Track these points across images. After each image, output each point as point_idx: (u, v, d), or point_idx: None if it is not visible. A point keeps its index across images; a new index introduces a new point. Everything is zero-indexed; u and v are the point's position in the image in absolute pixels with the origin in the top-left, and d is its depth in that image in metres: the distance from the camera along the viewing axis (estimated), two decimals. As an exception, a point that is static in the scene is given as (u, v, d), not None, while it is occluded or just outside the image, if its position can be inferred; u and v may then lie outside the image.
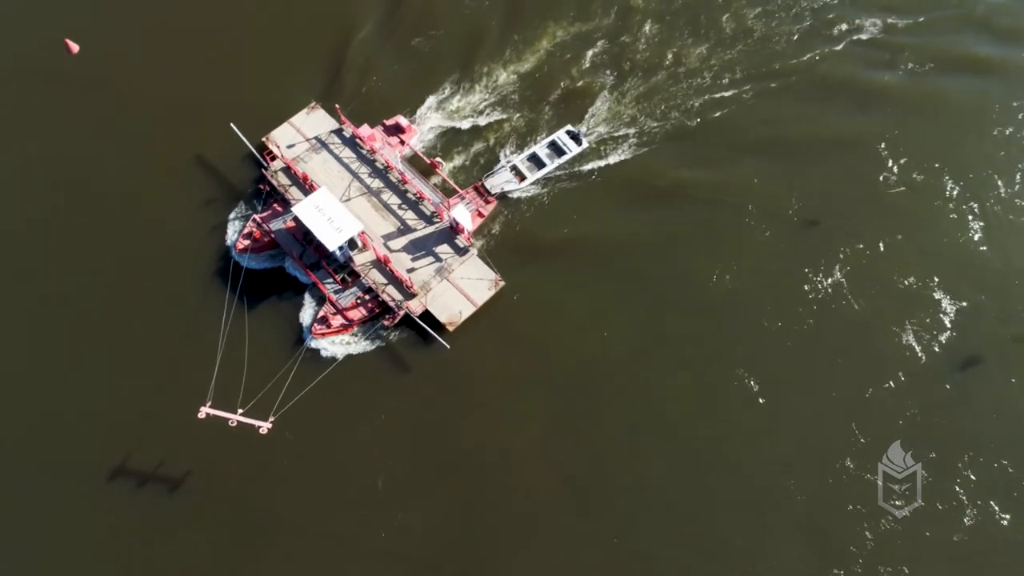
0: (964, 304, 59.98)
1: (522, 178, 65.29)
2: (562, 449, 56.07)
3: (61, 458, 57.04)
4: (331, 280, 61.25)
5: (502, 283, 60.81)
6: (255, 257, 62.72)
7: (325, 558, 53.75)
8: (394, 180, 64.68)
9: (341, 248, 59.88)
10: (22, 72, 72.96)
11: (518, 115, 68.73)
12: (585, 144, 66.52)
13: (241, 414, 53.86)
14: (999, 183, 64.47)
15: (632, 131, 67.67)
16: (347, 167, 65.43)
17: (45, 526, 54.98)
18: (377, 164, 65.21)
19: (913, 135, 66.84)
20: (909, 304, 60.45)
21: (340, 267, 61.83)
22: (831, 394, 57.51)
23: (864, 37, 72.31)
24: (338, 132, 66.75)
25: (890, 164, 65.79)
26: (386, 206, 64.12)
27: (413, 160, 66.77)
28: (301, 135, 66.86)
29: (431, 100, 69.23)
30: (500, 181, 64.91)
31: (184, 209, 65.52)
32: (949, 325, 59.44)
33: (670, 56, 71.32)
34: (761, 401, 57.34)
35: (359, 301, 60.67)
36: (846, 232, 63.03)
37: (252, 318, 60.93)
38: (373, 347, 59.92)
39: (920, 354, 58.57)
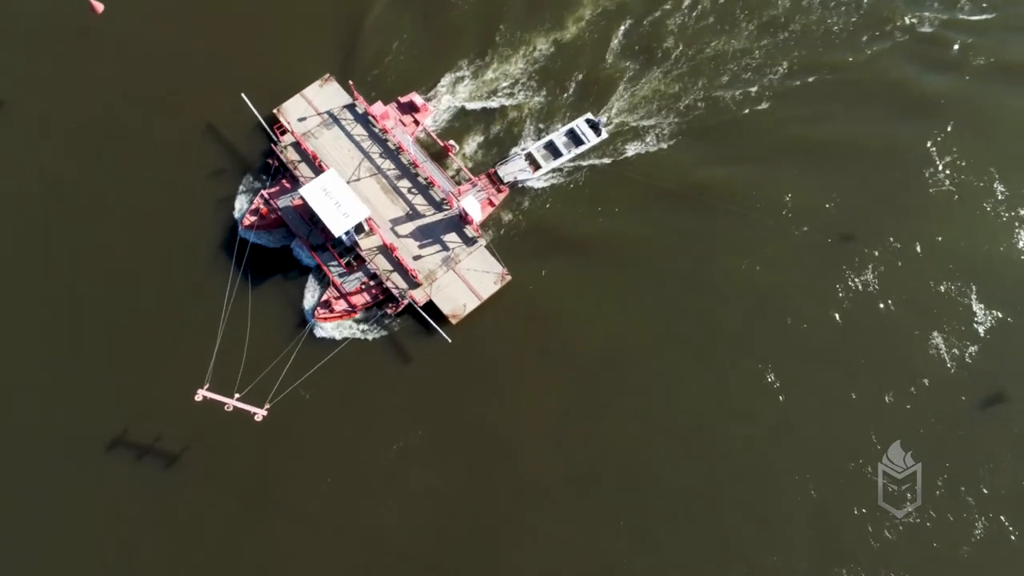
0: (1000, 315, 58.23)
1: (536, 167, 63.41)
2: (575, 436, 56.20)
3: (60, 427, 57.49)
4: (336, 263, 60.43)
5: (508, 277, 59.71)
6: (261, 234, 61.88)
7: (319, 539, 54.47)
8: (405, 162, 63.09)
9: (347, 233, 58.84)
10: (46, 31, 70.73)
11: (537, 99, 66.41)
12: (605, 134, 64.28)
13: (238, 398, 53.95)
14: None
15: (655, 123, 65.25)
16: (358, 145, 63.83)
17: (44, 494, 55.82)
18: (389, 144, 63.54)
19: (964, 138, 63.99)
20: (942, 311, 58.99)
21: (346, 250, 60.91)
22: (850, 395, 56.79)
23: (923, 31, 68.33)
24: (351, 107, 64.93)
25: (937, 164, 63.30)
26: (396, 189, 62.72)
27: (426, 143, 64.92)
28: (313, 108, 65.13)
29: (448, 78, 66.95)
30: (513, 169, 63.08)
31: (192, 179, 64.50)
32: (982, 335, 58.00)
33: (702, 45, 68.25)
34: (780, 399, 56.78)
35: (363, 287, 59.94)
36: (882, 230, 61.20)
37: (255, 296, 60.50)
38: (375, 335, 59.44)
39: (948, 364, 57.41)
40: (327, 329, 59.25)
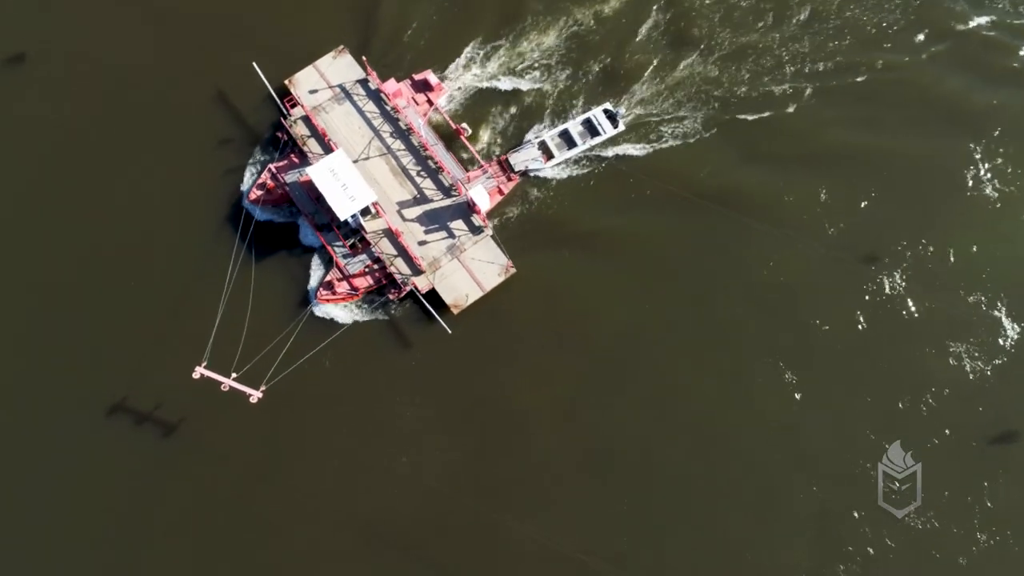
0: (1028, 330, 57.61)
1: (549, 157, 61.96)
2: (586, 419, 57.03)
3: (60, 390, 58.14)
4: (340, 244, 59.93)
5: (513, 270, 59.10)
6: (267, 209, 61.31)
7: (317, 509, 55.63)
8: (416, 144, 61.82)
9: (353, 216, 58.16)
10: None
11: (555, 84, 64.43)
12: (622, 126, 62.52)
13: (235, 378, 54.26)
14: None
15: (679, 116, 63.29)
16: (369, 123, 62.52)
17: (41, 457, 56.86)
18: (400, 124, 62.18)
19: (1011, 146, 62.09)
20: (970, 321, 58.34)
21: (351, 232, 60.31)
22: (866, 399, 56.89)
23: (984, 35, 65.07)
24: (363, 83, 63.35)
25: (981, 171, 61.56)
26: (405, 171, 61.65)
27: (438, 124, 63.43)
28: (325, 81, 63.61)
29: (465, 57, 64.96)
30: (525, 158, 61.70)
31: (200, 146, 63.56)
32: (1009, 349, 57.32)
33: (732, 38, 65.56)
34: (797, 396, 56.94)
35: (367, 270, 59.58)
36: (915, 234, 60.08)
37: (259, 271, 60.30)
38: (377, 319, 59.36)
39: (969, 375, 57.08)
40: (328, 310, 59.14)
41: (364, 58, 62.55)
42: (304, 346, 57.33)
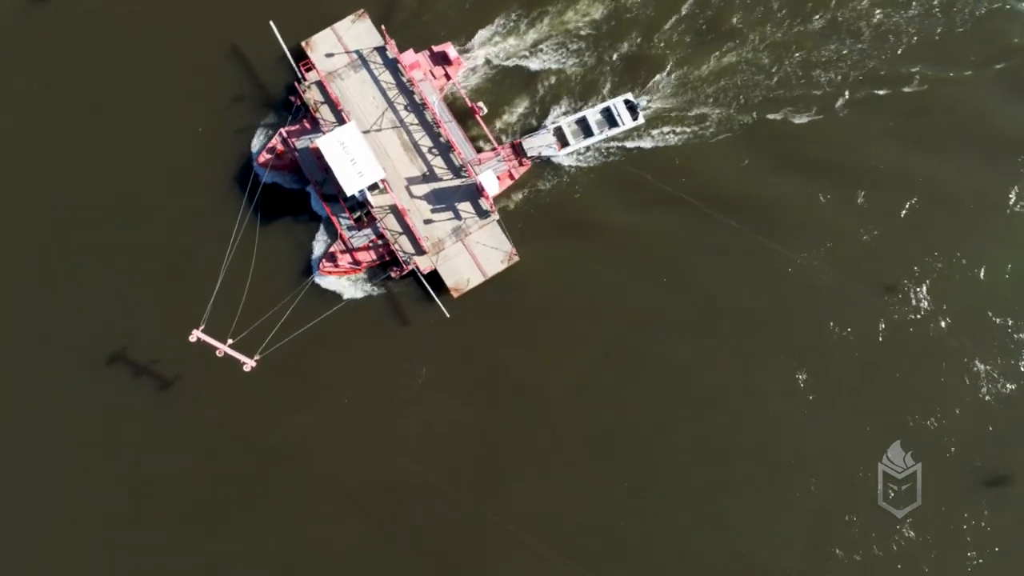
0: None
1: (563, 144, 60.78)
2: (588, 406, 58.14)
3: (59, 337, 59.02)
4: (346, 216, 59.54)
5: (516, 258, 58.78)
6: (275, 174, 60.78)
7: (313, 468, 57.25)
8: (429, 119, 60.71)
9: (360, 191, 57.61)
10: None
11: (577, 68, 62.69)
12: (641, 119, 61.06)
13: (230, 344, 54.68)
14: None
15: (700, 115, 61.56)
16: (384, 94, 61.32)
17: (38, 402, 58.10)
18: (415, 98, 60.94)
19: None
20: (993, 342, 58.02)
21: (358, 205, 59.84)
22: (875, 408, 57.11)
23: None
24: (381, 51, 61.86)
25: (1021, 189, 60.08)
26: (416, 147, 60.74)
27: (454, 101, 62.10)
28: (342, 45, 62.15)
29: (487, 32, 63.15)
30: (539, 143, 60.58)
31: (211, 103, 62.69)
32: None
33: (767, 36, 62.88)
34: (810, 398, 57.43)
35: (371, 245, 59.34)
36: (949, 248, 59.21)
37: (263, 235, 60.17)
38: (377, 294, 59.48)
39: (985, 396, 57.11)
40: (330, 282, 59.17)
41: (383, 26, 60.94)
42: (302, 316, 57.58)
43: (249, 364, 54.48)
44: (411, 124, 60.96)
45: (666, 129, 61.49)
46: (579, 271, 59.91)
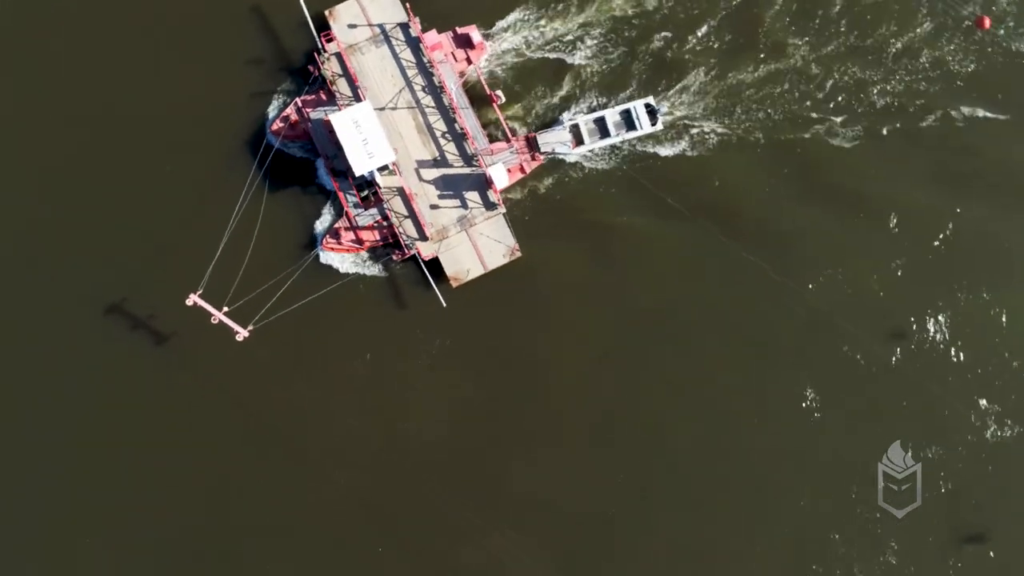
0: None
1: (579, 142, 59.96)
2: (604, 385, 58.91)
3: (59, 285, 59.58)
4: (353, 194, 59.31)
5: (518, 254, 58.65)
6: (287, 143, 60.40)
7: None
8: (446, 104, 59.91)
9: (369, 172, 57.26)
10: None
11: (602, 65, 61.55)
12: (660, 125, 60.06)
13: (225, 312, 55.10)
14: None
15: (723, 127, 60.52)
16: (403, 72, 60.44)
17: (33, 349, 59.03)
18: (434, 80, 60.03)
19: None
20: (1004, 383, 58.15)
21: (366, 183, 59.52)
22: (878, 434, 57.63)
23: None
24: (404, 28, 60.74)
25: None
26: (430, 130, 60.11)
27: (472, 87, 61.11)
28: (365, 18, 61.03)
29: (513, 17, 61.89)
30: (553, 140, 59.81)
31: (229, 62, 61.84)
32: None
33: (801, 52, 61.47)
34: (816, 415, 58.03)
35: (376, 225, 59.23)
36: (974, 284, 59.16)
37: (269, 203, 60.08)
38: (377, 275, 59.60)
39: (988, 436, 57.56)
40: (330, 258, 59.27)
41: (407, 5, 59.74)
42: (300, 290, 57.79)
43: (242, 334, 54.98)
44: (427, 106, 60.22)
45: (685, 138, 60.54)
46: (581, 272, 59.86)
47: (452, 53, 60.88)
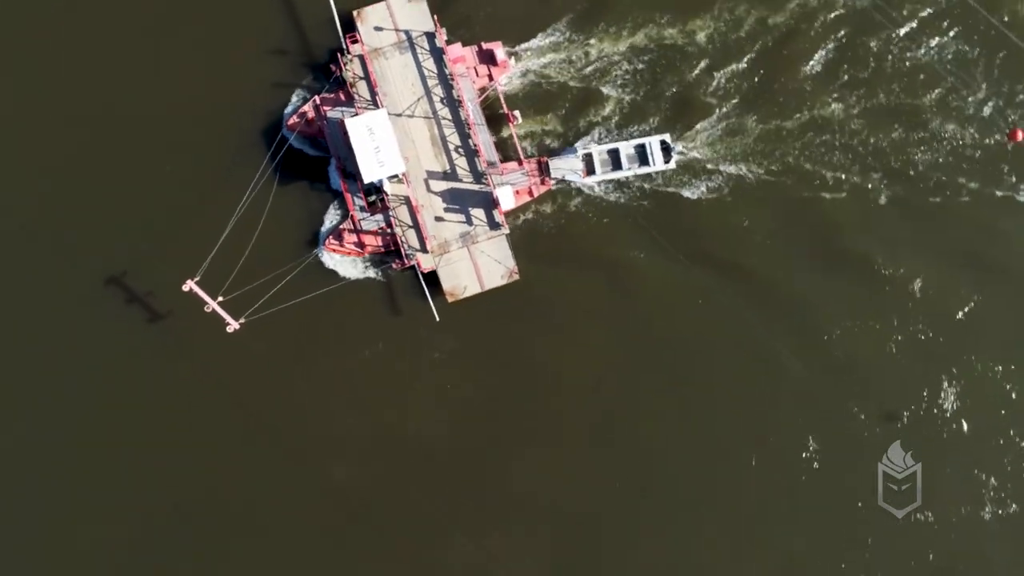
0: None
1: (590, 172, 59.89)
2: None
3: (60, 252, 60.22)
4: (360, 198, 59.60)
5: (516, 277, 58.84)
6: (302, 140, 60.71)
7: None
8: (462, 118, 59.96)
9: (378, 179, 57.50)
10: None
11: (625, 96, 61.18)
12: (673, 164, 59.79)
13: (220, 302, 55.66)
14: None
15: (736, 172, 60.33)
16: (424, 81, 60.47)
17: (30, 322, 59.90)
18: (454, 93, 60.05)
19: None
20: (1013, 463, 57.89)
21: (374, 189, 59.78)
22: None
23: None
24: (430, 37, 60.67)
25: None
26: (443, 142, 60.22)
27: (490, 104, 61.08)
28: (393, 23, 60.98)
29: (539, 40, 61.60)
30: (565, 166, 59.77)
31: (253, 51, 61.90)
32: None
33: (829, 107, 61.06)
34: (815, 464, 58.22)
35: (379, 231, 59.56)
36: (987, 354, 59.06)
37: (277, 196, 60.12)
38: (375, 281, 59.97)
39: (985, 515, 57.27)
40: (332, 259, 59.73)
41: (435, 17, 59.67)
42: (297, 288, 58.22)
43: (233, 325, 55.59)
44: (443, 119, 60.28)
45: (698, 180, 60.46)
46: (579, 303, 60.03)
47: (475, 68, 60.82)
